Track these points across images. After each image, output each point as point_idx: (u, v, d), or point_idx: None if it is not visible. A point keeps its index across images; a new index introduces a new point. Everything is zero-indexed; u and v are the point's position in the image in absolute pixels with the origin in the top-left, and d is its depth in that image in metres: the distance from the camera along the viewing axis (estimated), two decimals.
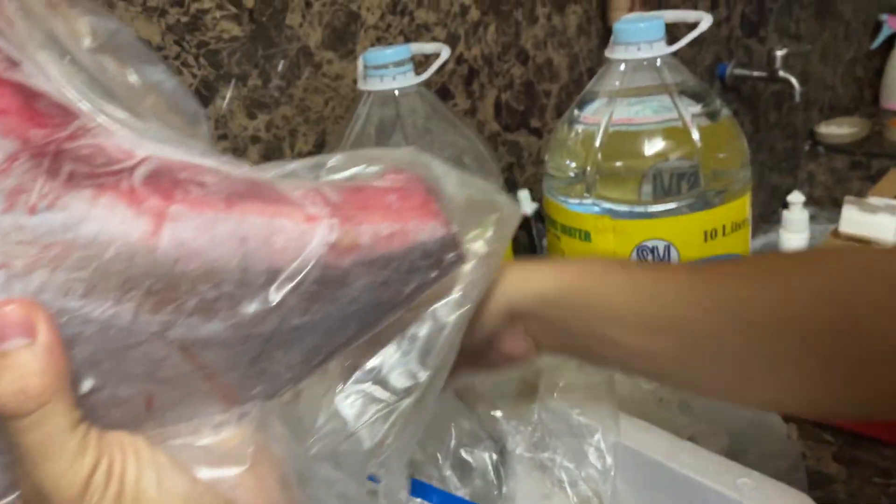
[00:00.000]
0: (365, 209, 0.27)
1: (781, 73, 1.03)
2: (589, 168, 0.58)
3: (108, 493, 0.22)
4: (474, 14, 0.79)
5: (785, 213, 0.78)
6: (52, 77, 0.24)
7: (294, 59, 0.67)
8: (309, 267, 0.25)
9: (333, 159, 0.30)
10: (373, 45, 0.71)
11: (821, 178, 1.27)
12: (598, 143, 0.58)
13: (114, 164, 0.23)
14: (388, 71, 0.58)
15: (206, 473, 0.25)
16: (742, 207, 0.58)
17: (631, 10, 0.89)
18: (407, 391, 0.33)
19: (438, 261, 0.29)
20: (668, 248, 0.57)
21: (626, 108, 0.57)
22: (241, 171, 0.26)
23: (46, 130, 0.23)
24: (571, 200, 0.60)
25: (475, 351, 0.38)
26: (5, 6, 0.24)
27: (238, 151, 0.65)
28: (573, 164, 0.60)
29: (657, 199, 0.57)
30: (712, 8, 1.07)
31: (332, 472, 0.31)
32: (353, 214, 0.27)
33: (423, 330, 0.33)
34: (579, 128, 0.60)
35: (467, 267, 0.33)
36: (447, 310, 0.33)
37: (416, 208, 0.29)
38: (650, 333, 0.35)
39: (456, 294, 0.33)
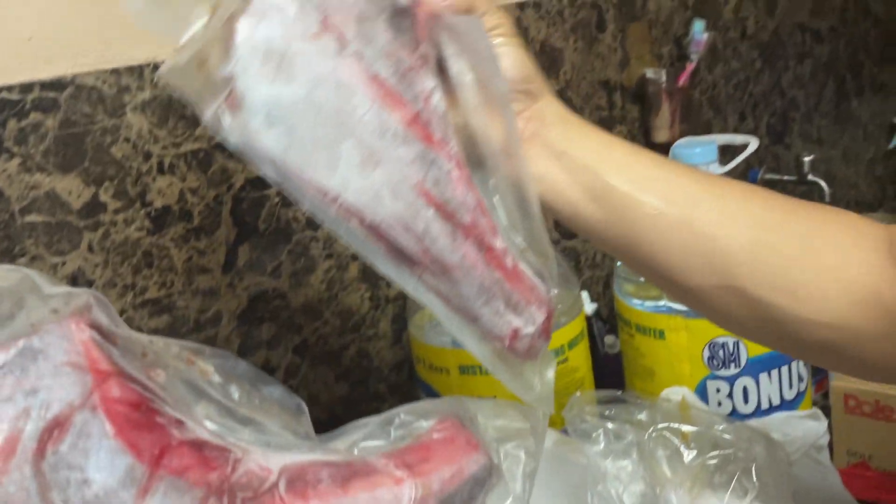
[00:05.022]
0: (429, 461, 0.37)
1: (810, 177, 1.12)
2: None
3: None
4: None
5: None
6: (201, 421, 0.34)
7: None
8: None
9: (397, 419, 0.41)
10: None
11: None
12: None
13: (263, 482, 0.33)
14: None
15: None
16: None
17: (671, 128, 0.98)
18: None
19: (486, 485, 0.39)
20: (736, 344, 0.64)
21: None
22: (338, 455, 0.37)
23: (217, 472, 0.32)
24: (647, 303, 0.67)
25: None
26: (157, 374, 0.33)
27: (341, 268, 0.74)
28: None
29: None
30: (741, 120, 1.17)
31: None
32: (423, 469, 0.37)
33: None
34: None
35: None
36: None
37: (462, 447, 0.39)
38: (590, 201, 0.42)
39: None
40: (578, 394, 0.56)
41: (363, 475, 0.35)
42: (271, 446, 0.35)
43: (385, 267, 0.37)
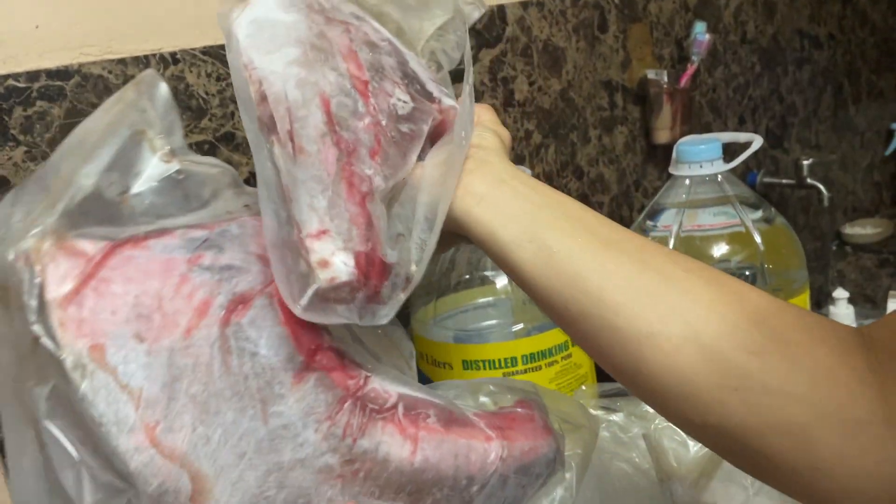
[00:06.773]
0: (514, 430, 0.40)
1: (809, 181, 1.12)
2: None
3: None
4: (536, 138, 0.89)
5: (832, 308, 0.85)
6: (339, 337, 0.37)
7: None
8: (489, 474, 0.38)
9: (485, 387, 0.44)
10: None
11: (851, 277, 1.34)
12: (671, 247, 0.65)
13: (386, 402, 0.36)
14: None
15: None
16: (803, 304, 0.65)
17: (672, 129, 0.99)
18: None
19: (551, 470, 0.41)
20: None
21: (694, 217, 0.66)
22: (443, 400, 0.39)
23: (353, 381, 0.35)
24: None
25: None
26: None
27: None
28: None
29: None
30: (740, 123, 1.17)
31: None
32: (509, 435, 0.39)
33: None
34: (652, 234, 0.68)
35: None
36: None
37: (539, 429, 0.41)
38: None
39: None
40: (584, 387, 0.56)
41: (461, 424, 0.38)
42: (388, 378, 0.37)
43: (249, 124, 0.37)
